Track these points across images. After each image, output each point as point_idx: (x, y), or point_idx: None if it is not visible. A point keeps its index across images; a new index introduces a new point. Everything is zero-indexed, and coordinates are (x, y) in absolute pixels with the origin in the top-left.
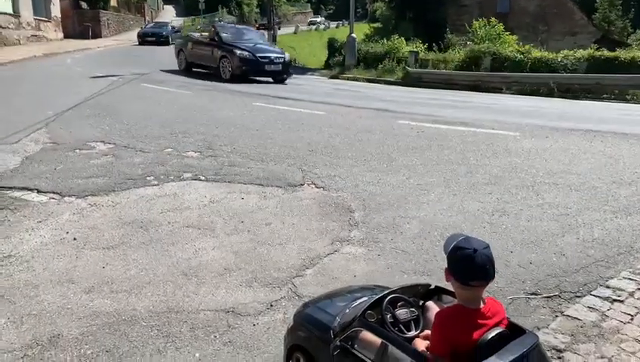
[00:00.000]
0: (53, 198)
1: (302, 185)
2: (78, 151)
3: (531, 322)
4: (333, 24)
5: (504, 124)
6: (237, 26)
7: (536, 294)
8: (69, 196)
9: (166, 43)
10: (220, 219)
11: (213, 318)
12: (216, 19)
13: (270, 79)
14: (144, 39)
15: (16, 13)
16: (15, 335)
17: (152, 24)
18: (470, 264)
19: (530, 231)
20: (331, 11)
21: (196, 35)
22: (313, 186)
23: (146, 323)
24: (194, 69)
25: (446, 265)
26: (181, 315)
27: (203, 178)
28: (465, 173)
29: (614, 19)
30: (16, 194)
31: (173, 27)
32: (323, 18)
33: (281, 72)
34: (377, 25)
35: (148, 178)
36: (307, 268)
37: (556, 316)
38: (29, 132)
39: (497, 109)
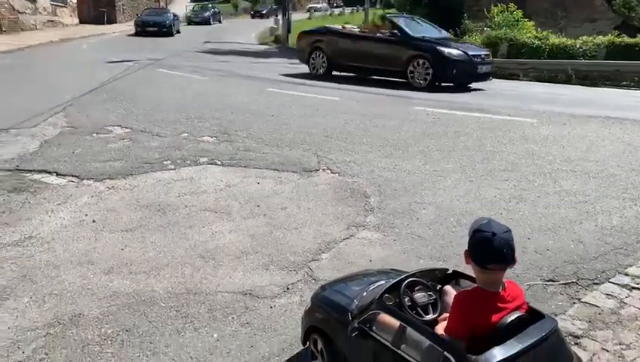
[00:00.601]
0: (71, 181)
1: (317, 170)
2: (95, 135)
3: (548, 308)
4: (347, 9)
5: (521, 110)
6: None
7: (553, 281)
8: (88, 179)
9: (169, 34)
10: (236, 203)
11: (231, 300)
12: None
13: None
14: (144, 29)
15: None
16: (37, 314)
17: (149, 10)
18: (488, 247)
19: (547, 217)
20: None
21: (343, 28)
22: (329, 172)
23: (164, 304)
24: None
25: (467, 248)
26: (199, 297)
27: (219, 162)
28: (481, 159)
29: (635, 5)
30: (36, 176)
31: (175, 15)
32: (325, 4)
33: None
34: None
35: (165, 162)
36: (323, 253)
37: (574, 303)
38: (47, 116)
39: (514, 96)
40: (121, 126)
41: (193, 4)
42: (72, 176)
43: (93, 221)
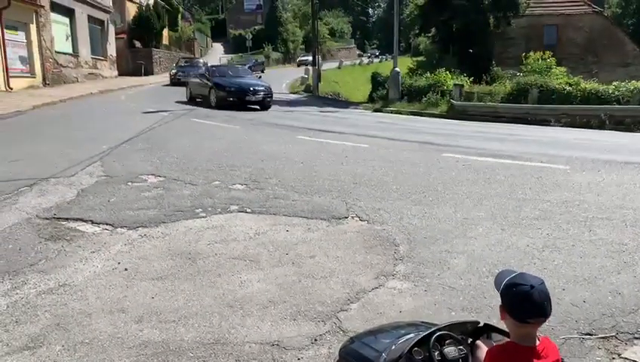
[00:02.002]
0: (106, 229)
1: (346, 218)
2: (130, 183)
3: None
4: (376, 59)
5: (553, 157)
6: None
7: (590, 334)
8: (121, 227)
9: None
10: (265, 251)
11: (258, 351)
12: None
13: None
14: (180, 80)
15: (75, 53)
16: None
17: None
18: (528, 301)
19: (582, 268)
20: (374, 46)
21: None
22: (357, 219)
23: (192, 354)
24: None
25: (500, 303)
26: (227, 347)
27: (249, 210)
28: (513, 207)
29: None
30: (72, 225)
31: (208, 66)
32: (310, 58)
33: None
34: (421, 58)
35: (196, 210)
36: (352, 303)
37: (613, 358)
38: (85, 165)
39: (546, 142)
40: (155, 175)
41: (228, 55)
42: (107, 224)
43: (126, 269)
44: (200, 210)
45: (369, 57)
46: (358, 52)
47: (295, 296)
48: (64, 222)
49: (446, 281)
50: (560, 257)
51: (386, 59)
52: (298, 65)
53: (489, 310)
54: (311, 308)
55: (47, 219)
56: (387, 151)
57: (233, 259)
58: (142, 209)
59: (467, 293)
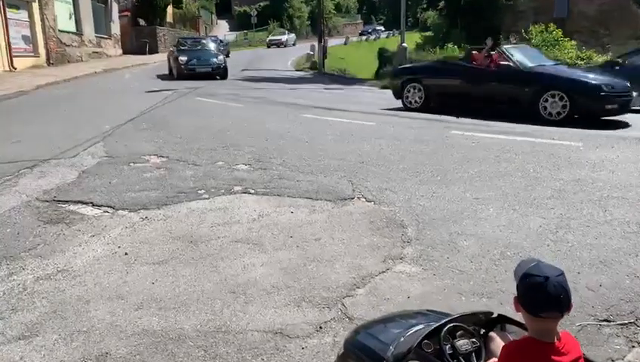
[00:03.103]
0: (106, 212)
1: (352, 198)
2: (132, 164)
3: (604, 353)
4: (383, 34)
5: (565, 133)
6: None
7: (608, 321)
8: (122, 209)
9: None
10: (269, 233)
11: (261, 339)
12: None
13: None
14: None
15: (79, 32)
16: (65, 353)
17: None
18: (541, 293)
19: (598, 250)
20: (382, 21)
21: None
22: (364, 200)
23: (193, 343)
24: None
25: (515, 293)
26: (228, 335)
27: (252, 191)
28: (525, 186)
29: None
30: (72, 207)
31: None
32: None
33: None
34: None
35: (199, 191)
36: (358, 288)
37: (633, 346)
38: (87, 146)
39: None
40: (157, 155)
41: (233, 33)
42: (108, 206)
43: (126, 253)
44: (203, 191)
45: (369, 33)
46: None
47: (299, 280)
48: (64, 205)
49: (456, 265)
50: (574, 239)
51: (393, 35)
52: (268, 47)
53: (501, 295)
54: (316, 294)
55: (46, 201)
56: (394, 129)
57: (236, 243)
58: (143, 190)
59: (478, 277)
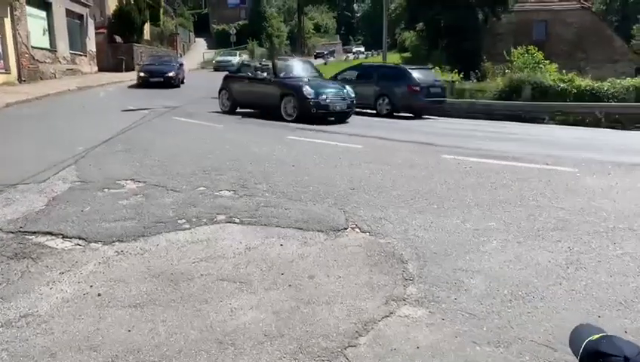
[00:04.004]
0: (78, 245)
1: (345, 228)
2: (106, 190)
3: None
4: (362, 55)
5: (558, 158)
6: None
7: None
8: (95, 242)
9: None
10: (258, 270)
11: None
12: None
13: None
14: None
15: (53, 48)
16: None
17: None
18: None
19: (615, 289)
20: (359, 42)
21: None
22: (358, 231)
23: None
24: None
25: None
26: None
27: (237, 220)
28: (526, 216)
29: None
30: (40, 239)
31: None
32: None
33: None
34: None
35: (179, 221)
36: (360, 336)
37: None
38: (58, 170)
39: (547, 142)
40: (134, 180)
41: (211, 51)
42: (79, 238)
43: (99, 294)
44: (183, 220)
45: (353, 54)
46: (343, 47)
47: (294, 327)
48: (31, 237)
49: (464, 307)
50: (587, 276)
51: (372, 55)
52: (215, 69)
53: (518, 344)
54: (314, 344)
55: (11, 233)
56: (382, 152)
57: (222, 281)
58: (119, 220)
59: (491, 322)
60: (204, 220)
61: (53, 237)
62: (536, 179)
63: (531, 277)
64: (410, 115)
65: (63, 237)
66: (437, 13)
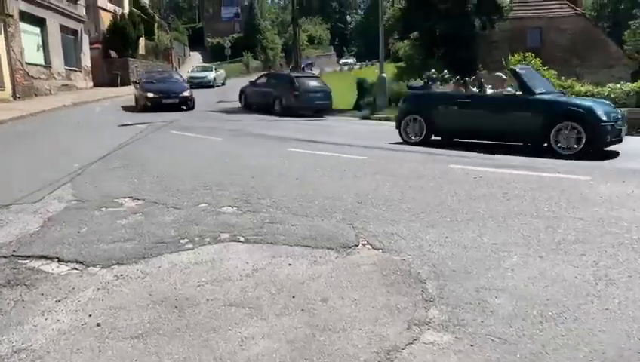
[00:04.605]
0: (75, 269)
1: (356, 245)
2: (104, 209)
3: None
4: (356, 66)
5: (569, 166)
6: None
7: None
8: (94, 266)
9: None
10: (267, 293)
11: None
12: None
13: None
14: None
15: (47, 64)
16: None
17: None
18: None
19: None
20: (353, 52)
21: None
22: (370, 247)
23: None
24: None
25: None
26: None
27: (242, 239)
28: (544, 228)
29: None
30: (35, 264)
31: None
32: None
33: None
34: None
35: (181, 241)
36: None
37: None
38: (53, 188)
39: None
40: (132, 197)
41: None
42: (76, 262)
43: (98, 324)
44: (186, 240)
45: (340, 65)
46: (344, 60)
47: (311, 358)
48: (25, 261)
49: (493, 330)
50: (619, 293)
51: (366, 66)
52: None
53: None
54: None
55: (4, 257)
56: (387, 163)
57: (229, 307)
58: (117, 241)
59: (524, 348)
60: (208, 239)
61: (49, 261)
62: (549, 189)
63: (559, 296)
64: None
65: (59, 260)
66: (433, 23)
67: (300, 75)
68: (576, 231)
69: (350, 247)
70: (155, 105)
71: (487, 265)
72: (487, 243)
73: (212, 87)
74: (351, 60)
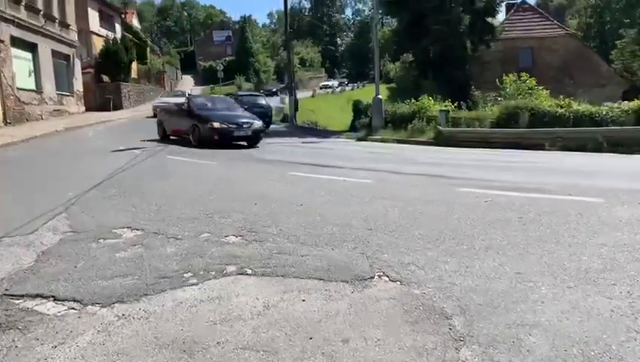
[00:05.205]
0: (72, 309)
1: (372, 277)
2: (101, 241)
3: None
4: (348, 87)
5: (580, 188)
6: None
7: None
8: (92, 304)
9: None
10: (282, 334)
11: None
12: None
13: None
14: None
15: (39, 89)
16: None
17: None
18: None
19: None
20: (344, 74)
21: None
22: (386, 279)
23: None
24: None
25: None
26: None
27: (250, 271)
28: (567, 255)
29: (637, 70)
30: (28, 304)
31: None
32: (335, 82)
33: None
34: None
35: (185, 275)
36: None
37: None
38: (47, 219)
39: (557, 169)
40: (131, 228)
41: (199, 87)
42: (74, 300)
43: None
44: (190, 274)
45: (339, 85)
46: (324, 83)
47: None
48: (18, 301)
49: None
50: None
51: (358, 87)
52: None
53: None
54: None
55: None
56: (393, 186)
57: (242, 350)
58: (117, 276)
59: None
60: (213, 273)
61: (44, 300)
62: (564, 213)
63: (598, 332)
64: None
65: (55, 299)
66: (426, 45)
67: (245, 93)
68: (602, 259)
69: (366, 279)
70: (221, 140)
71: (515, 298)
72: (511, 273)
73: None
74: (331, 83)
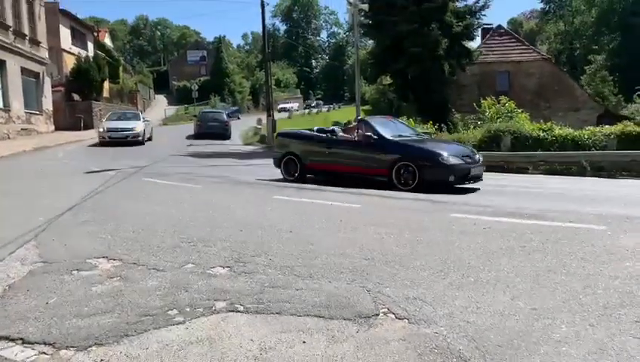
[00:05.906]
0: (44, 353)
1: (377, 314)
2: (75, 273)
3: None
4: (324, 108)
5: (578, 214)
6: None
7: None
8: (67, 348)
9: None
10: None
11: None
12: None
13: None
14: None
15: (6, 107)
16: None
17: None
18: None
19: None
20: (319, 96)
21: None
22: (393, 317)
23: None
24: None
25: None
26: None
27: (241, 308)
28: (581, 288)
29: (608, 95)
30: None
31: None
32: (293, 104)
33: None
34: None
35: (170, 312)
36: None
37: None
38: (15, 247)
39: (549, 195)
40: (107, 257)
41: (172, 107)
42: (45, 343)
43: None
44: (175, 311)
45: (315, 106)
46: (281, 106)
47: None
48: None
49: None
50: None
51: (334, 109)
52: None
53: None
54: None
55: None
56: (384, 211)
57: None
58: (94, 314)
59: None
60: (201, 309)
61: (11, 343)
62: (567, 241)
63: None
64: None
65: (24, 342)
66: (404, 66)
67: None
68: (619, 292)
69: (370, 317)
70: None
71: (535, 338)
72: (526, 309)
73: (141, 143)
74: (289, 106)
